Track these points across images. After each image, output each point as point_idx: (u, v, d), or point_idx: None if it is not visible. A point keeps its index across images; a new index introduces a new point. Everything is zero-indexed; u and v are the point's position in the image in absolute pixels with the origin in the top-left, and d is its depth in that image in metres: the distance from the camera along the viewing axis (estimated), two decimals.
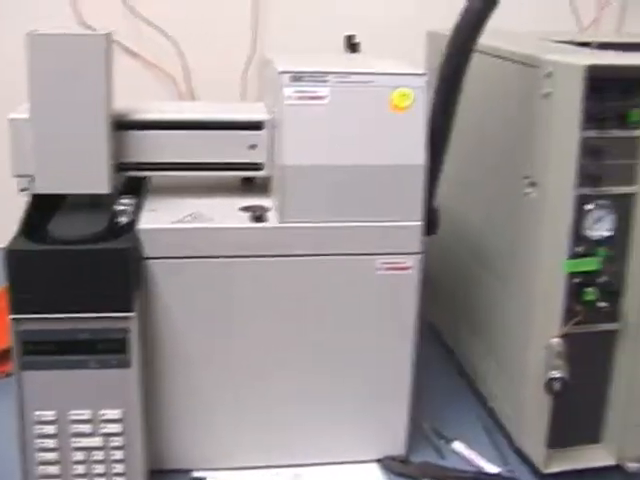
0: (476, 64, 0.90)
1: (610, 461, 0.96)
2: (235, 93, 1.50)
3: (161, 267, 0.87)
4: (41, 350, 0.84)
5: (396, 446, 0.99)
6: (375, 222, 0.89)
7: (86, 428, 0.86)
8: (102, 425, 0.87)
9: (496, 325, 1.06)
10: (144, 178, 0.98)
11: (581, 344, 0.92)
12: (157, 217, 0.89)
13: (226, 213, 0.91)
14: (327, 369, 0.94)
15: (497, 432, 1.05)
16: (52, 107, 0.85)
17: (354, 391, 0.95)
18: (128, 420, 0.87)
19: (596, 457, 0.97)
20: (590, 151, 0.86)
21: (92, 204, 0.91)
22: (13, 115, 0.87)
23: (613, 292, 0.91)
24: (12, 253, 0.81)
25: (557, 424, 0.94)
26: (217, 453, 0.95)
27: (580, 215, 0.88)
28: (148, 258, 0.87)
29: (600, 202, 0.89)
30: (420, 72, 0.88)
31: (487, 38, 0.90)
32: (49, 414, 0.86)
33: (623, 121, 0.87)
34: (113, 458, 0.87)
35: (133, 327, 0.85)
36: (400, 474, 0.97)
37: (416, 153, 0.88)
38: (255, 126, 0.93)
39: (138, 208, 0.91)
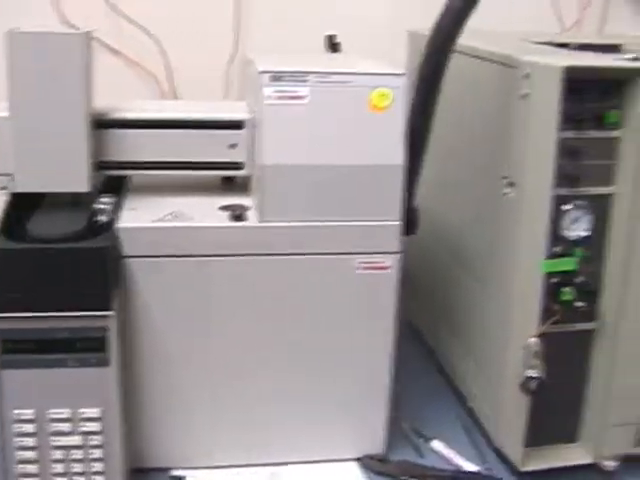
0: (455, 64, 0.91)
1: (587, 460, 0.97)
2: (218, 92, 1.50)
3: (140, 266, 0.87)
4: (20, 349, 0.84)
5: (375, 445, 0.99)
6: (354, 222, 0.89)
7: (65, 427, 0.86)
8: (81, 424, 0.87)
9: (475, 325, 1.07)
10: (124, 177, 0.98)
11: (558, 343, 0.92)
12: (137, 216, 0.89)
13: (206, 212, 0.91)
14: (306, 368, 0.94)
15: (476, 431, 1.06)
16: (31, 105, 0.85)
17: (333, 390, 0.95)
18: (107, 419, 0.87)
19: (573, 456, 0.98)
20: (568, 152, 0.87)
21: (72, 203, 0.91)
22: None
23: (590, 292, 0.92)
24: None
25: (535, 423, 0.95)
26: (196, 452, 0.95)
27: (558, 215, 0.89)
28: (127, 257, 0.87)
29: (578, 202, 0.89)
30: (399, 72, 0.88)
31: (467, 38, 0.90)
32: (28, 412, 0.86)
33: (601, 122, 0.88)
34: (92, 457, 0.87)
35: (112, 326, 0.85)
36: (379, 473, 0.97)
37: (395, 153, 0.88)
38: (235, 125, 0.93)
39: (118, 207, 0.91)
